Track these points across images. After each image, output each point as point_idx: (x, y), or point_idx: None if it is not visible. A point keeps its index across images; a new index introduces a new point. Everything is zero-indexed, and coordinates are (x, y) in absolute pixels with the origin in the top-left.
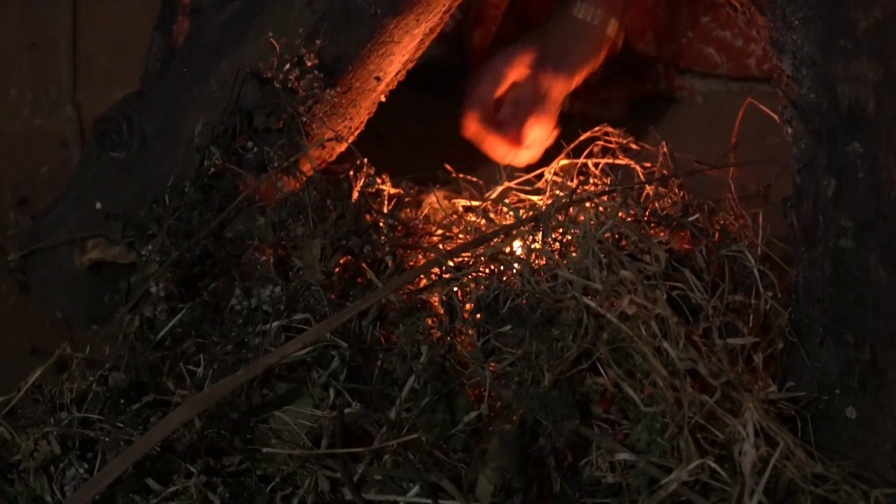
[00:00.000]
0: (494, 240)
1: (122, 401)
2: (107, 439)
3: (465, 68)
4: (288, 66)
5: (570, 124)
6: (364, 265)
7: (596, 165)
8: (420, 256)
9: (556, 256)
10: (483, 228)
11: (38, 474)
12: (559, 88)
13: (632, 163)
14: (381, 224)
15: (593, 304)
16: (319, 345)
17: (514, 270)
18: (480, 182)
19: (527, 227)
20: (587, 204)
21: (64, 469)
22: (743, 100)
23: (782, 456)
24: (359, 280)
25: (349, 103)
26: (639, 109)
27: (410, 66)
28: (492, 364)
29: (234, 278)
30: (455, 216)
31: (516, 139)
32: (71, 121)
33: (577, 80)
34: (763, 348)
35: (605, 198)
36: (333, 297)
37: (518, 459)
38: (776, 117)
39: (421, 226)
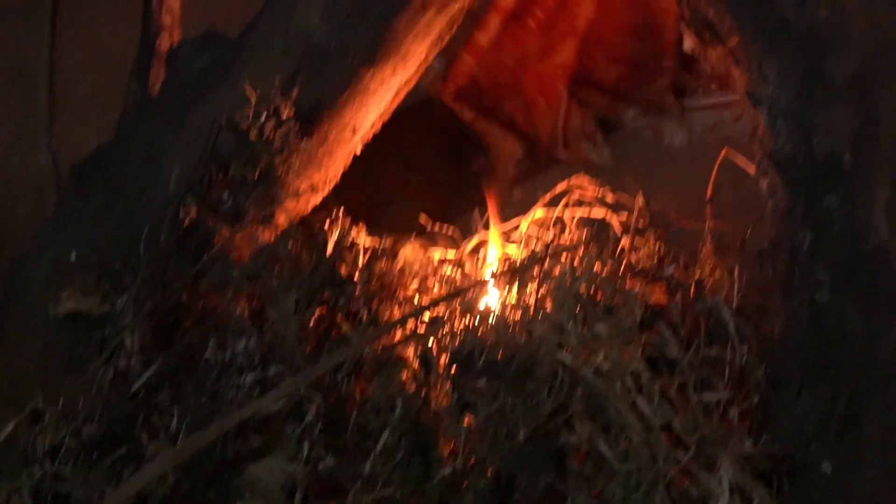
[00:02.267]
0: (469, 293)
1: (95, 454)
2: (80, 493)
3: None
4: (264, 116)
5: (549, 173)
6: (339, 317)
7: (572, 217)
8: (395, 309)
9: (532, 310)
10: (458, 281)
11: None
12: None
13: (608, 214)
14: (355, 276)
15: (568, 360)
16: (294, 398)
17: (490, 324)
18: (456, 233)
19: (502, 280)
20: (562, 257)
21: None
22: (720, 147)
23: None
24: (334, 332)
25: (325, 154)
26: (620, 155)
27: (386, 117)
28: (467, 418)
29: (208, 330)
30: (430, 268)
31: None
32: (48, 163)
33: None
34: (739, 402)
35: (580, 250)
36: (308, 349)
37: None
38: (751, 169)
39: (396, 278)
